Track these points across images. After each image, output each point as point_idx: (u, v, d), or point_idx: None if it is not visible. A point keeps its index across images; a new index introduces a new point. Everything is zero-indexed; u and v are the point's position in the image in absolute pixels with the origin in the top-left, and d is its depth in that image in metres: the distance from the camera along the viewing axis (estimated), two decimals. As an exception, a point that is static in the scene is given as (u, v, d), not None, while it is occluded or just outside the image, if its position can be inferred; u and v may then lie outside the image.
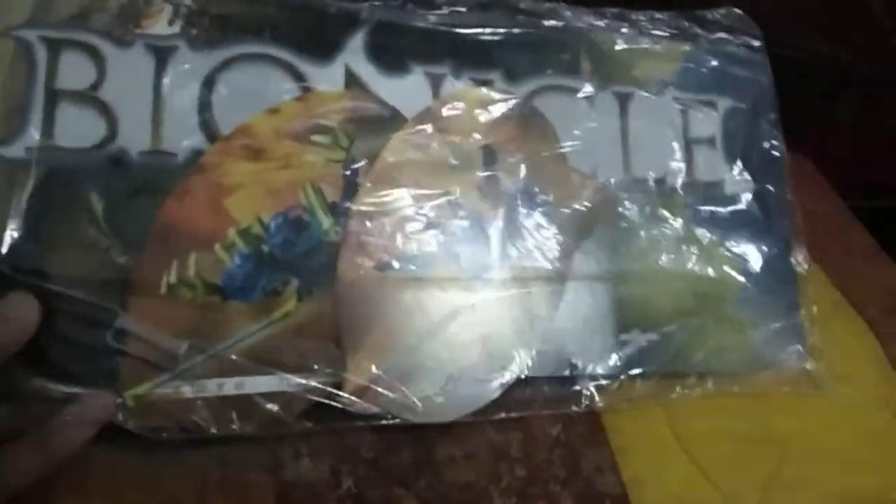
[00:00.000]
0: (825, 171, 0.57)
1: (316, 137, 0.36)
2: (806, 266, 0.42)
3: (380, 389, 0.33)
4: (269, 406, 0.32)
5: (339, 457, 0.34)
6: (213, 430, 0.31)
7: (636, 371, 0.37)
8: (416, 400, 0.34)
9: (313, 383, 0.33)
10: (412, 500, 0.33)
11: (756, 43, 0.44)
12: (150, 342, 0.31)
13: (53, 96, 0.33)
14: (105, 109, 0.33)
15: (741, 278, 0.40)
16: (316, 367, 0.33)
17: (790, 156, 0.43)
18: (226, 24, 0.36)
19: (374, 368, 0.34)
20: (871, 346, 0.45)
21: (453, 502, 0.34)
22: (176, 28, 0.36)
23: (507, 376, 0.35)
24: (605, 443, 0.36)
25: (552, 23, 0.41)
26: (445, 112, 0.38)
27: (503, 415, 0.35)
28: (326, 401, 0.33)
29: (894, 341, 0.45)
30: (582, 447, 0.36)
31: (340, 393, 0.33)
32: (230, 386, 0.32)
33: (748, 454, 0.37)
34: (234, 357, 0.32)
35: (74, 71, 0.34)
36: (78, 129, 0.33)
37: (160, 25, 0.36)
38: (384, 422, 0.33)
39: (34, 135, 0.32)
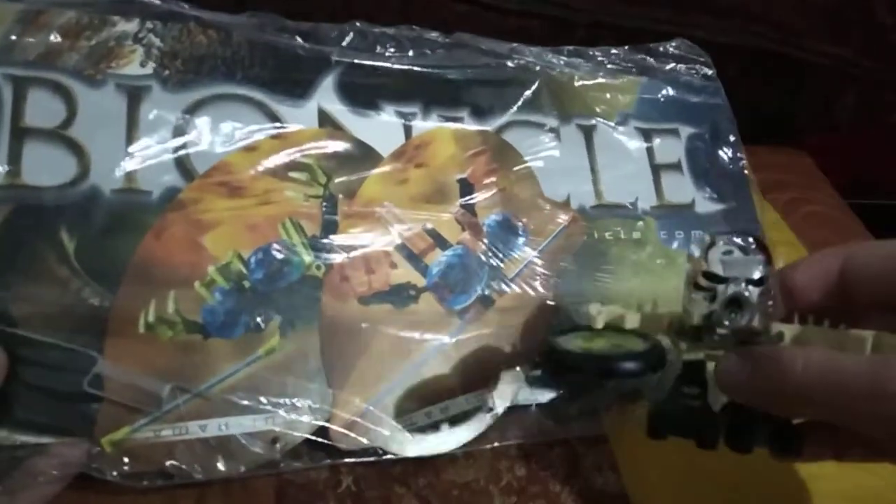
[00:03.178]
0: (825, 170, 0.58)
1: (293, 174, 0.36)
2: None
3: (368, 424, 0.32)
4: (255, 447, 0.31)
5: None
6: (198, 476, 0.30)
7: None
8: (406, 433, 0.33)
9: (301, 420, 0.32)
10: (412, 499, 0.32)
11: (709, 71, 0.47)
12: (129, 385, 0.30)
13: (21, 134, 0.32)
14: (76, 147, 0.33)
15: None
16: (302, 403, 0.32)
17: (790, 154, 0.43)
18: (199, 66, 0.37)
19: (361, 402, 0.33)
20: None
21: (453, 502, 0.33)
22: (148, 69, 0.35)
23: (498, 406, 0.35)
24: (604, 441, 0.36)
25: (514, 62, 0.43)
26: (421, 149, 0.39)
27: (496, 444, 0.35)
28: (315, 437, 0.32)
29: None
30: (581, 445, 0.36)
31: (330, 426, 0.32)
32: (214, 427, 0.31)
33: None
34: (217, 397, 0.31)
35: (43, 109, 0.33)
36: (47, 166, 0.32)
37: (132, 66, 0.35)
38: (373, 458, 0.32)
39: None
